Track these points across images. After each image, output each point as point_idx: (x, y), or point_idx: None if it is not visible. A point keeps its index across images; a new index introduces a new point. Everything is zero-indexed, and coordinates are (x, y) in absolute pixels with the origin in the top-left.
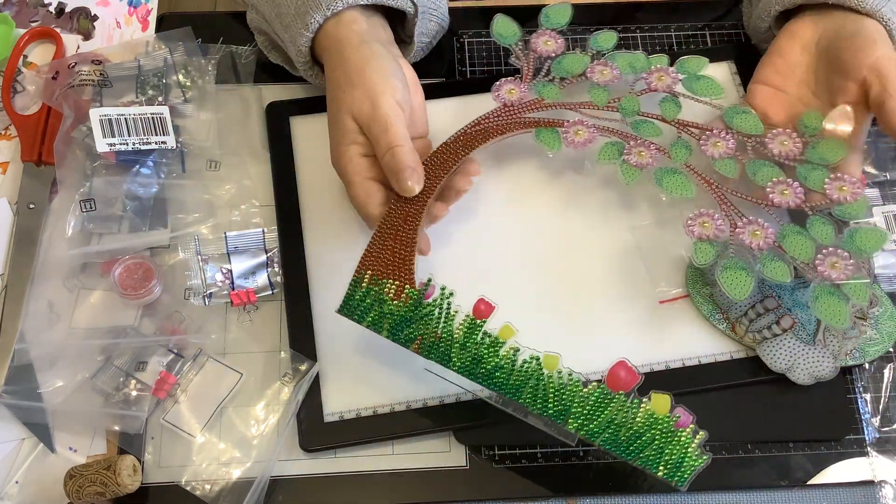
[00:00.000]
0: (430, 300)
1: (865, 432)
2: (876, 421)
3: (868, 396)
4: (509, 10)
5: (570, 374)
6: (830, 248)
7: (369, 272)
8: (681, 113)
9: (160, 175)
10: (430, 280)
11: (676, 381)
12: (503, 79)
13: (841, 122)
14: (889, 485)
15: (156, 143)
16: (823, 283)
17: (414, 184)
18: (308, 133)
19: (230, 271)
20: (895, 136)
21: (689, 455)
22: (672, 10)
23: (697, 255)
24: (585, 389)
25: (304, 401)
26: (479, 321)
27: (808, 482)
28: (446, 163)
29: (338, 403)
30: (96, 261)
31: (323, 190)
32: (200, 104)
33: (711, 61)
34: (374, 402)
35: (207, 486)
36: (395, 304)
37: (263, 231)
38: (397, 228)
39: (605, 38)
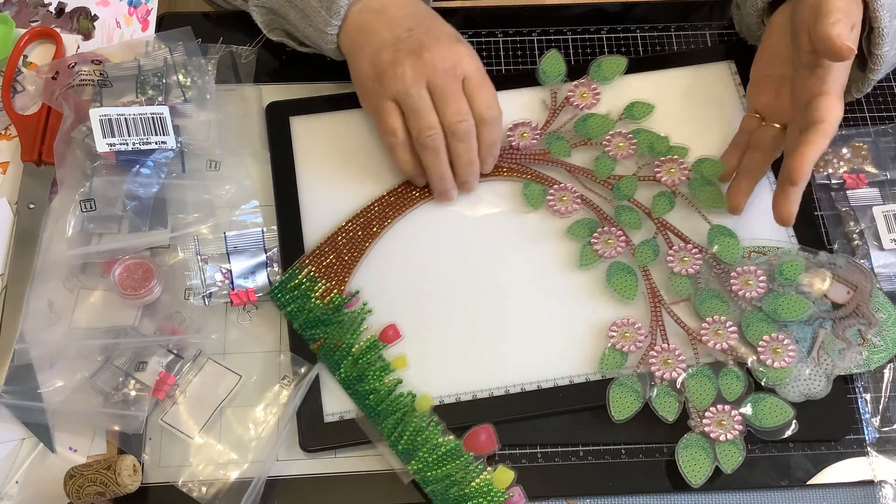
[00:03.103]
0: (349, 311)
1: (865, 432)
2: (876, 421)
3: (868, 396)
4: (510, 11)
5: (434, 422)
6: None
7: (309, 268)
8: (671, 212)
9: (160, 175)
10: (357, 292)
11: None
12: (522, 121)
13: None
14: (889, 485)
15: (156, 143)
16: (697, 434)
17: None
18: (308, 133)
19: (230, 271)
20: (826, 50)
21: None
22: (672, 10)
23: (603, 361)
24: (440, 439)
25: (304, 401)
26: (381, 343)
27: (808, 482)
28: (422, 194)
29: (338, 404)
30: (96, 261)
31: (323, 190)
32: (200, 104)
33: (711, 61)
34: None
35: (204, 489)
36: (317, 303)
37: (263, 231)
38: (352, 238)
39: (610, 65)
